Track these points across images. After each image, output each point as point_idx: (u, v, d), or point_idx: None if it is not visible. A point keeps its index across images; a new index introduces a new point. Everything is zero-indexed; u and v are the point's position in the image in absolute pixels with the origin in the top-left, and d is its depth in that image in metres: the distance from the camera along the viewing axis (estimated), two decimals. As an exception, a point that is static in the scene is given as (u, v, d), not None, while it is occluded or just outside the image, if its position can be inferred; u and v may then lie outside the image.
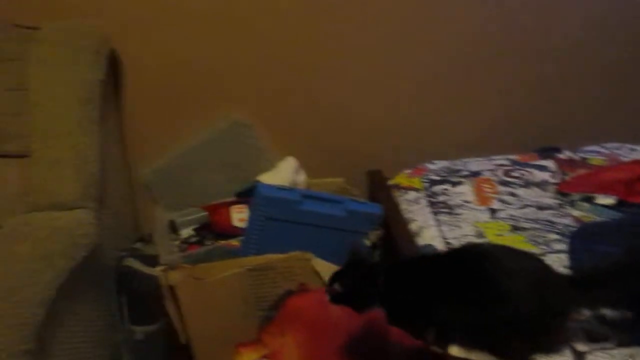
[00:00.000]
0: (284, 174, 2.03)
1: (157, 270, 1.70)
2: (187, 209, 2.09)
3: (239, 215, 1.90)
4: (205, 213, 2.02)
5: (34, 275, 1.44)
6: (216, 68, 2.09)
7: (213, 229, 1.96)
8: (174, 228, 2.04)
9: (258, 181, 1.98)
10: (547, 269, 1.28)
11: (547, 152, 2.12)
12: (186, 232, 2.03)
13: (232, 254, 1.78)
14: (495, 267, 1.24)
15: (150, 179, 2.16)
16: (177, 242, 1.96)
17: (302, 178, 2.08)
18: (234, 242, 1.86)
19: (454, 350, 1.29)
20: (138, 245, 2.01)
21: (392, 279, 1.30)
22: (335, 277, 1.31)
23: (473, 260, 1.27)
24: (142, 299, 1.84)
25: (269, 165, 2.13)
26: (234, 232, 1.89)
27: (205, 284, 1.65)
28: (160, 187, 2.16)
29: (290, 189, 1.83)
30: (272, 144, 2.17)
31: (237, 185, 2.11)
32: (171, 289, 1.67)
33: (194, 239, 1.96)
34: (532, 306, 1.20)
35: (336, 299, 1.30)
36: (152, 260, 1.87)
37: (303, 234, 1.75)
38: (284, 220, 1.75)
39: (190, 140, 2.15)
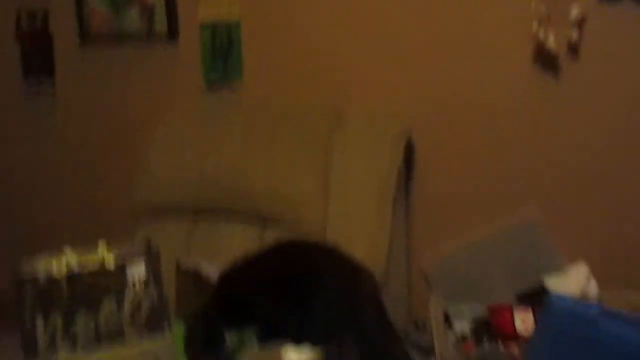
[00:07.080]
0: (574, 282, 1.87)
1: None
2: (463, 304, 2.04)
3: (523, 321, 1.79)
4: (483, 310, 1.94)
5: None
6: (511, 167, 2.06)
7: (492, 329, 1.87)
8: (448, 320, 1.99)
9: (543, 284, 1.87)
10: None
11: None
12: (460, 325, 1.97)
13: (513, 361, 1.69)
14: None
15: (430, 266, 2.16)
16: (452, 336, 1.91)
17: (593, 289, 1.90)
18: (514, 347, 1.76)
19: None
20: (410, 330, 2.01)
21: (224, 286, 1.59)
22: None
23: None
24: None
25: (554, 268, 1.99)
26: (515, 337, 1.78)
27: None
28: (439, 276, 2.14)
29: (586, 304, 1.67)
30: (561, 246, 2.03)
31: (517, 284, 2.01)
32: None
33: (470, 337, 1.89)
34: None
35: None
36: (427, 352, 1.85)
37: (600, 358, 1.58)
38: (577, 338, 1.60)
39: (476, 233, 2.11)
